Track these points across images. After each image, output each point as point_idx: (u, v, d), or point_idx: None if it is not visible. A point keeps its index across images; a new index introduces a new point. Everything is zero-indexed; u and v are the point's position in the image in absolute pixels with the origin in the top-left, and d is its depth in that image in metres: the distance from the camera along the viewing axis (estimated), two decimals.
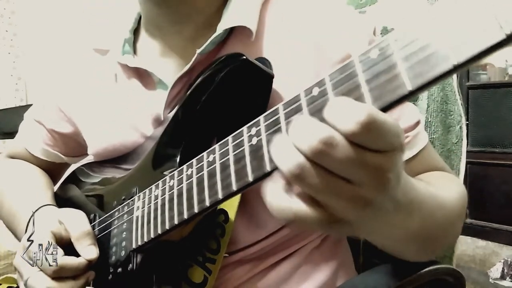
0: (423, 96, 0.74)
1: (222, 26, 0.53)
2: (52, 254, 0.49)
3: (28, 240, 0.50)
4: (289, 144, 0.29)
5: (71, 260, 0.49)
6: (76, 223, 0.53)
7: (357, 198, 0.29)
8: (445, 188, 0.48)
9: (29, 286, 0.49)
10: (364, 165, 0.28)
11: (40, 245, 0.49)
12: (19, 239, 0.63)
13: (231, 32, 0.54)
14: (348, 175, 0.28)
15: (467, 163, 0.75)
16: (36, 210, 0.59)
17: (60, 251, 0.50)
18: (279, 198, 0.30)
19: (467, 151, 0.75)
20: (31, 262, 0.49)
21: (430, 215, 0.40)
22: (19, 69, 3.41)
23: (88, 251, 0.51)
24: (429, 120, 0.73)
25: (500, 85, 2.38)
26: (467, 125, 0.75)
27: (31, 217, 0.58)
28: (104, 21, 0.70)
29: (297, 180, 0.29)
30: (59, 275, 0.49)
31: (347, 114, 0.26)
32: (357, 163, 0.27)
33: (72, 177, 0.70)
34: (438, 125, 0.73)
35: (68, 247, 0.51)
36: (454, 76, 0.92)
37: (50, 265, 0.48)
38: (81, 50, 0.68)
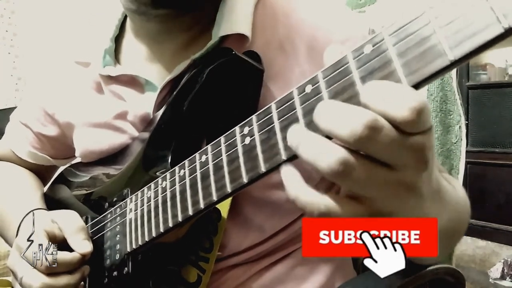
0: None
1: (218, 33, 0.51)
2: (52, 254, 0.48)
3: (28, 240, 0.50)
4: (321, 139, 0.27)
5: (64, 255, 0.49)
6: (69, 220, 0.53)
7: (400, 184, 0.27)
8: (456, 184, 0.47)
9: (24, 284, 0.49)
10: (408, 147, 0.26)
11: (40, 245, 0.49)
12: (8, 242, 0.63)
13: (226, 37, 0.53)
14: (392, 159, 0.27)
15: (467, 163, 0.74)
16: (27, 214, 0.58)
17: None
18: (307, 194, 0.28)
19: (467, 151, 0.74)
20: (31, 262, 0.49)
21: (454, 205, 0.39)
22: (19, 69, 3.42)
23: (82, 245, 0.51)
24: None
25: (500, 85, 2.39)
26: (467, 125, 0.75)
27: (24, 217, 0.58)
28: (83, 31, 0.69)
29: (340, 177, 0.26)
30: (53, 271, 0.49)
31: (398, 100, 0.24)
32: (402, 145, 0.26)
33: (61, 178, 0.69)
34: (437, 125, 0.73)
35: (62, 246, 0.51)
36: (454, 76, 0.91)
37: (49, 265, 0.48)
38: (65, 60, 0.67)
